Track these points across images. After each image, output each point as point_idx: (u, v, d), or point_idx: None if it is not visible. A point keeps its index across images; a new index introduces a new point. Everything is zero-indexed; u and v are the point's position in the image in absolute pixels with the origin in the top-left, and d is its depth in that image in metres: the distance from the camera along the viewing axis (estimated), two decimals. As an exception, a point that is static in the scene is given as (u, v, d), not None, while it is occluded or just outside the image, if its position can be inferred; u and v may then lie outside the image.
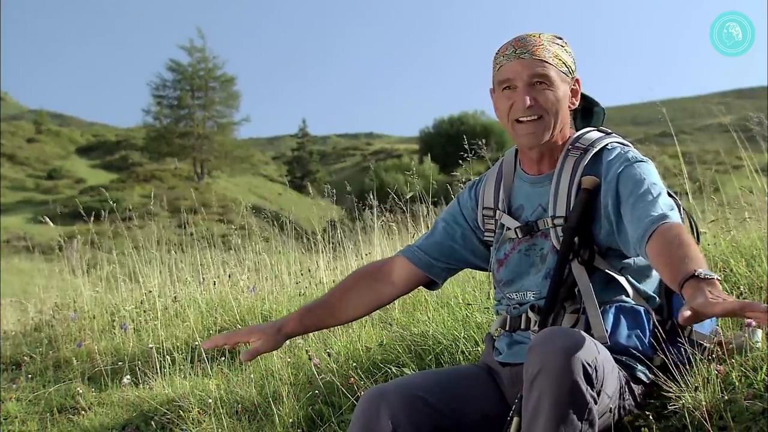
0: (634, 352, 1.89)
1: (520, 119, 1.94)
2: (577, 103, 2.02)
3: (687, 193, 3.91)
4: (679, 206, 2.05)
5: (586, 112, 2.09)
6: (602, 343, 1.76)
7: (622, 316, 1.90)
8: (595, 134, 2.02)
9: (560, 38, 1.98)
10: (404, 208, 5.38)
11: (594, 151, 1.95)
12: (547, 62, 1.92)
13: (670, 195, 2.06)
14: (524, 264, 2.01)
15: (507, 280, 2.05)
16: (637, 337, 1.92)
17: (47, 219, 6.14)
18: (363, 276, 2.21)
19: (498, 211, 2.08)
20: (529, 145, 1.97)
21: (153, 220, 6.53)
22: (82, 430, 3.59)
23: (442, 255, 2.15)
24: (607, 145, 1.98)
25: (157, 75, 63.12)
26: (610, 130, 2.06)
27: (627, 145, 2.01)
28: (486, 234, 2.12)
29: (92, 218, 6.26)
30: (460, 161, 4.63)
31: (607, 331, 1.87)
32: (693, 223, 2.16)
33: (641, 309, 1.93)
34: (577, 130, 2.06)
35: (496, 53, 2.00)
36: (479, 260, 2.17)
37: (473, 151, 4.49)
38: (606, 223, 1.91)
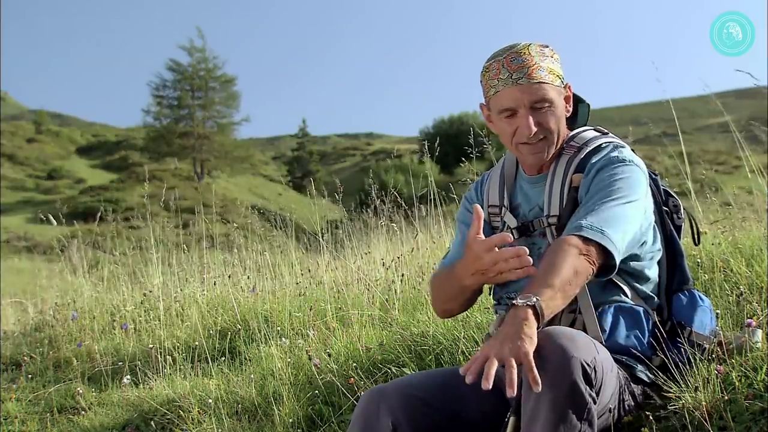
0: (634, 352, 1.89)
1: (525, 142, 1.95)
2: (571, 110, 2.02)
3: (690, 193, 3.91)
4: (677, 206, 2.05)
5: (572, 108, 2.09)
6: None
7: (620, 316, 1.90)
8: (590, 133, 2.02)
9: (546, 47, 1.97)
10: (404, 207, 5.38)
11: (587, 150, 1.96)
12: (544, 82, 1.91)
13: (669, 195, 2.06)
14: (523, 264, 2.00)
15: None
16: (636, 337, 1.92)
17: (50, 217, 6.13)
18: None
19: (503, 209, 2.08)
20: (535, 164, 1.99)
21: (153, 220, 6.52)
22: (82, 430, 3.59)
23: None
24: (600, 144, 1.98)
25: (157, 75, 63.31)
26: (606, 130, 2.06)
27: (621, 146, 2.00)
28: (493, 231, 2.12)
29: (97, 218, 6.27)
30: (464, 159, 4.61)
31: (605, 331, 1.87)
32: (693, 224, 2.16)
33: (640, 309, 1.93)
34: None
35: (487, 71, 1.96)
36: None
37: (478, 147, 4.45)
38: None
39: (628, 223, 1.82)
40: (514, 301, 1.63)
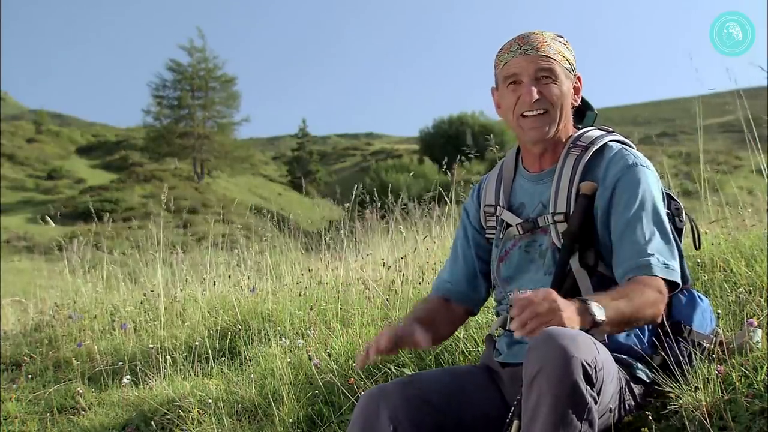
0: (634, 351, 1.90)
1: (526, 114, 1.96)
2: (579, 101, 2.04)
3: (700, 191, 3.91)
4: (679, 209, 2.06)
5: (579, 113, 2.10)
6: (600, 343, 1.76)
7: (621, 316, 1.90)
8: (596, 132, 2.03)
9: (561, 36, 2.01)
10: (403, 208, 5.39)
11: (594, 149, 1.96)
12: (551, 58, 1.95)
13: (671, 198, 2.06)
14: (524, 261, 2.02)
15: (507, 276, 2.05)
16: (637, 336, 1.92)
17: (49, 219, 6.15)
18: (437, 308, 2.16)
19: (499, 208, 2.09)
20: (535, 140, 1.99)
21: (153, 220, 6.52)
22: (82, 430, 3.59)
23: (468, 275, 2.15)
24: (608, 143, 1.99)
25: (157, 75, 63.13)
26: (611, 129, 2.07)
27: (629, 146, 2.01)
28: (488, 232, 2.13)
29: (98, 219, 6.28)
30: (467, 158, 4.61)
31: (605, 330, 1.87)
32: (694, 227, 2.15)
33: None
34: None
35: (500, 51, 2.01)
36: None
37: (478, 148, 4.45)
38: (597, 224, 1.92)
39: (675, 242, 1.91)
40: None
